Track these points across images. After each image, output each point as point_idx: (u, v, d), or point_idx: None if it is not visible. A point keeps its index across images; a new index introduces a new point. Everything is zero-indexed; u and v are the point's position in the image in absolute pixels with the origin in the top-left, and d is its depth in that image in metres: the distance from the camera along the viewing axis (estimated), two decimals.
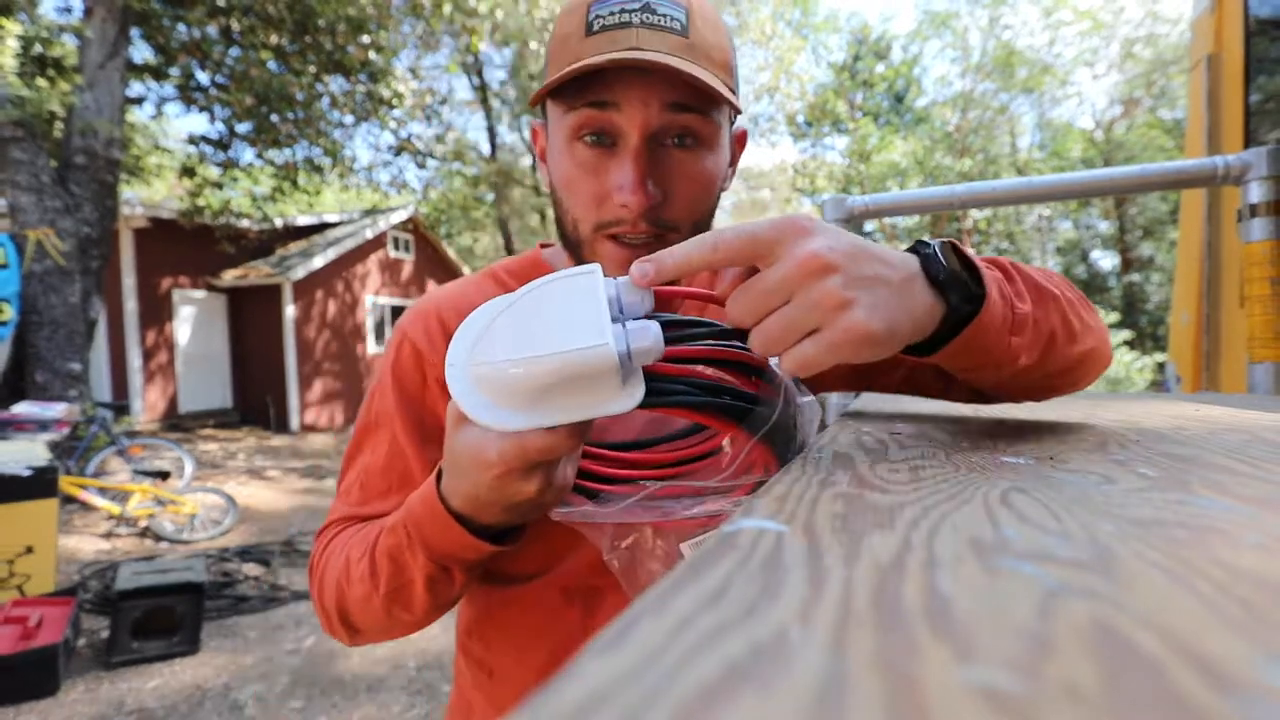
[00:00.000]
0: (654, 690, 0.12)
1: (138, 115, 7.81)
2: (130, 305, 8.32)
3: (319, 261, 9.78)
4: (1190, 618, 0.15)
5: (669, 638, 0.14)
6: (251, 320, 9.78)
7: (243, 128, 7.76)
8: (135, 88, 7.19)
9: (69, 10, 6.91)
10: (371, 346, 11.25)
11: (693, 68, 0.52)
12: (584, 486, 0.47)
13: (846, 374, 0.67)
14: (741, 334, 0.38)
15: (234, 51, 7.35)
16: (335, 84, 8.19)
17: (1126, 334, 12.10)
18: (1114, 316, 13.67)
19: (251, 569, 3.75)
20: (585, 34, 0.54)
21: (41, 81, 5.71)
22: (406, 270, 12.16)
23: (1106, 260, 19.51)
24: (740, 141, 0.67)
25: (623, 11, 0.54)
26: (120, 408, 5.28)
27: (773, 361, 0.42)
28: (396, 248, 11.86)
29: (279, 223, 9.14)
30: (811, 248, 0.34)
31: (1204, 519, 0.23)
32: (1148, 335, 14.73)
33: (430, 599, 0.53)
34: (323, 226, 11.42)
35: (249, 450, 7.76)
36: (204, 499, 4.63)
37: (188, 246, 8.90)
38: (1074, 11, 16.35)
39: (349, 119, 8.69)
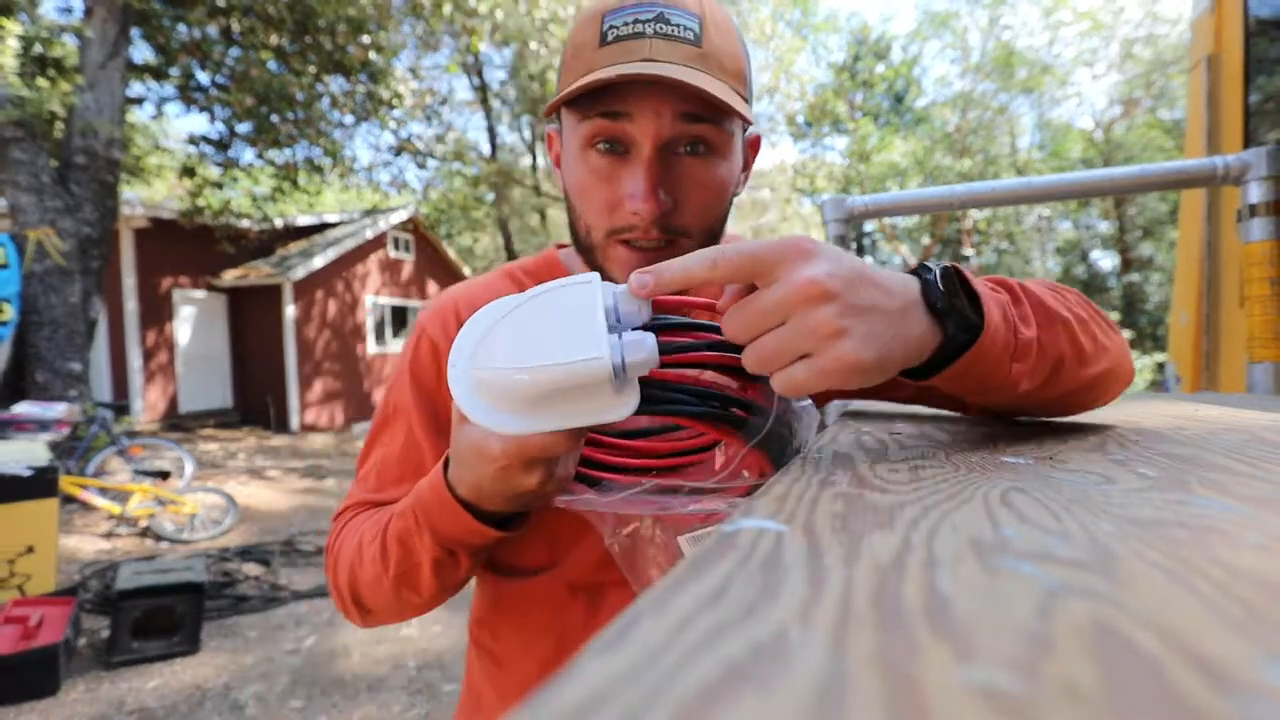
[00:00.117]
0: (654, 690, 0.12)
1: (138, 115, 7.81)
2: (130, 305, 8.32)
3: (319, 261, 9.78)
4: (1190, 617, 0.15)
5: (669, 637, 0.14)
6: (252, 320, 9.78)
7: (243, 128, 7.76)
8: (135, 88, 7.19)
9: (69, 10, 6.90)
10: (372, 346, 11.25)
11: (704, 79, 0.53)
12: (586, 474, 0.48)
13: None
14: (738, 345, 0.39)
15: (234, 52, 7.35)
16: (335, 84, 8.19)
17: (1126, 334, 12.08)
18: (1114, 316, 13.64)
19: (252, 569, 3.75)
20: (600, 44, 0.55)
21: (42, 81, 5.70)
22: (406, 270, 12.16)
23: (1106, 260, 19.54)
24: (754, 146, 0.68)
25: (636, 22, 0.54)
26: (120, 408, 5.28)
27: None
28: (396, 248, 11.86)
29: (279, 223, 9.14)
30: (810, 274, 0.35)
31: (1204, 519, 0.23)
32: (1147, 335, 14.74)
33: (437, 582, 0.55)
34: (323, 226, 11.42)
35: (249, 450, 7.76)
36: (204, 499, 4.63)
37: (188, 246, 8.90)
38: (1074, 12, 16.35)
39: (349, 119, 8.69)
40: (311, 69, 7.60)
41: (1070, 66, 16.89)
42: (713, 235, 0.61)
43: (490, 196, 14.75)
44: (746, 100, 0.59)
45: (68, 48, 6.11)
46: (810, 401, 0.46)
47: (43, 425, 4.15)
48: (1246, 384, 0.96)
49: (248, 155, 8.21)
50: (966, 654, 0.13)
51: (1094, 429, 0.48)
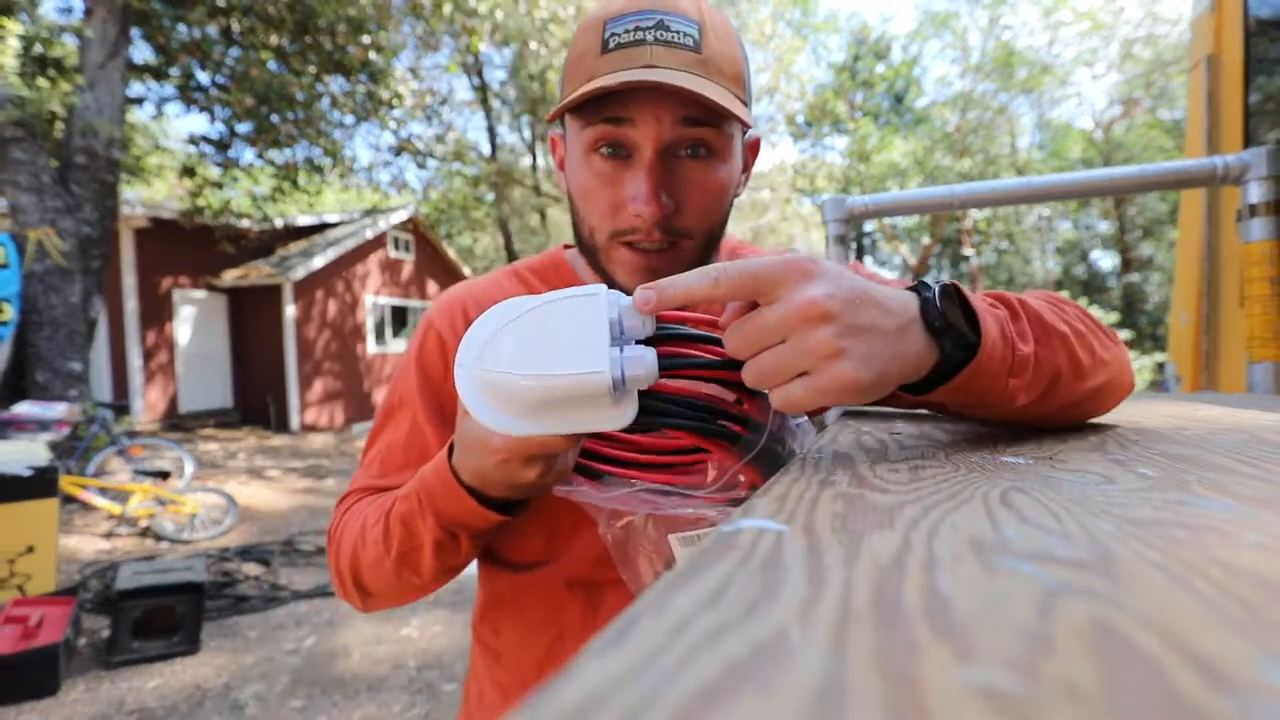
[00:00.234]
0: (654, 690, 0.12)
1: (138, 115, 7.82)
2: (131, 305, 8.32)
3: (319, 261, 9.78)
4: (1189, 617, 0.15)
5: (669, 637, 0.14)
6: (252, 320, 9.78)
7: (243, 128, 7.76)
8: (135, 88, 7.19)
9: (69, 10, 6.91)
10: (372, 346, 11.25)
11: (704, 84, 0.54)
12: (587, 465, 0.49)
13: None
14: (738, 361, 0.40)
15: (234, 52, 7.35)
16: (335, 84, 8.19)
17: (1126, 334, 12.12)
18: (1114, 316, 13.69)
19: (252, 569, 3.75)
20: (601, 51, 0.56)
21: (42, 81, 5.70)
22: (406, 270, 12.16)
23: (1106, 260, 19.55)
24: (753, 149, 0.69)
25: (637, 29, 0.55)
26: (120, 408, 5.28)
27: None
28: (396, 248, 11.86)
29: (279, 223, 9.14)
30: (810, 294, 0.35)
31: (1203, 519, 0.23)
32: (1147, 335, 14.73)
33: (438, 563, 0.56)
34: (323, 226, 11.41)
35: (249, 450, 7.76)
36: (204, 499, 4.63)
37: (188, 246, 8.90)
38: (1074, 12, 16.34)
39: (349, 119, 8.69)
40: (311, 69, 7.60)
41: (1070, 66, 16.89)
42: (714, 236, 0.62)
43: (490, 196, 14.74)
44: (745, 104, 0.60)
45: (68, 48, 6.11)
46: (807, 419, 0.47)
47: (43, 425, 4.15)
48: (1246, 384, 0.96)
49: (248, 155, 8.21)
50: (966, 654, 0.13)
51: (1094, 429, 0.48)
